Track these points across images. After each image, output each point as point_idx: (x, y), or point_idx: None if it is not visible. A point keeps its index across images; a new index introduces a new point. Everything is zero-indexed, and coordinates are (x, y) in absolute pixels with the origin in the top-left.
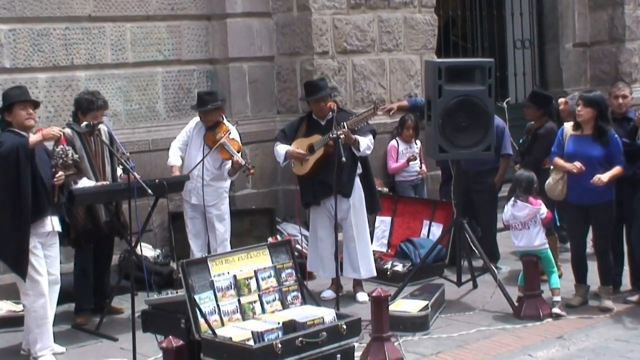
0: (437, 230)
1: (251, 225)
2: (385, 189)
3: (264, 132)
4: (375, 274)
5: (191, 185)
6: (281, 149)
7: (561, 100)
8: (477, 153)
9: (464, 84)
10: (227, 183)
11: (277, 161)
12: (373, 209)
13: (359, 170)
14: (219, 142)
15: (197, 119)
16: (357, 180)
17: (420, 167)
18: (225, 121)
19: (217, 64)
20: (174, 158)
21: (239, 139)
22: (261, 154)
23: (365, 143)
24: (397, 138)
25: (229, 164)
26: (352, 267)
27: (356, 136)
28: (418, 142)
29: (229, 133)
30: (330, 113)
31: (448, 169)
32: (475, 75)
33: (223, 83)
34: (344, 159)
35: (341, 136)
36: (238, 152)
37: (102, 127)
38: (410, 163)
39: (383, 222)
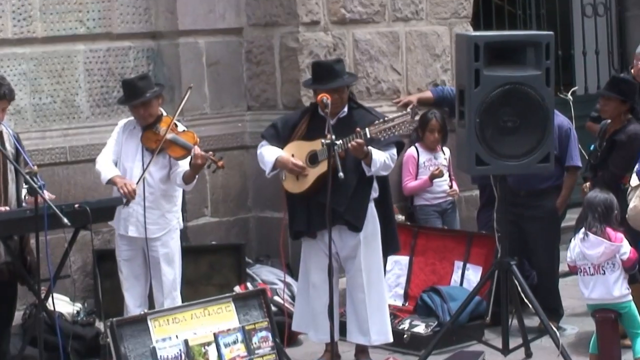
0: (473, 275)
1: (211, 269)
2: (401, 217)
3: (229, 136)
4: (391, 340)
5: (127, 212)
6: (269, 153)
7: None
8: (531, 165)
9: (512, 68)
10: (178, 207)
11: (253, 174)
12: (391, 248)
13: (375, 194)
14: (165, 138)
15: (125, 120)
16: (372, 208)
17: (450, 186)
18: (164, 114)
19: (162, 40)
20: (109, 168)
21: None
22: (225, 168)
23: (382, 159)
24: (416, 145)
25: (183, 166)
26: (359, 329)
27: (370, 148)
28: (446, 150)
29: (175, 125)
30: (324, 111)
31: (489, 188)
32: (528, 55)
33: (170, 66)
34: (340, 174)
35: (350, 144)
36: (195, 145)
37: (2, 128)
38: (435, 180)
39: (397, 264)
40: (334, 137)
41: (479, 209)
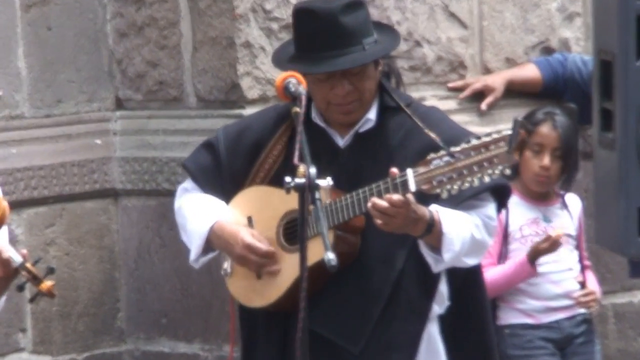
0: None
1: None
2: None
3: (72, 167)
4: None
5: None
6: (197, 213)
7: None
8: None
9: None
10: None
11: (129, 256)
12: None
13: (438, 310)
14: None
15: None
16: (434, 336)
17: (582, 283)
18: None
19: None
20: None
21: None
22: (66, 235)
23: (465, 233)
24: None
25: None
26: None
27: (434, 209)
28: (573, 199)
29: None
30: (293, 111)
31: None
32: None
33: None
34: (329, 256)
35: (325, 183)
36: None
37: None
38: (545, 270)
39: None
40: (314, 170)
41: None
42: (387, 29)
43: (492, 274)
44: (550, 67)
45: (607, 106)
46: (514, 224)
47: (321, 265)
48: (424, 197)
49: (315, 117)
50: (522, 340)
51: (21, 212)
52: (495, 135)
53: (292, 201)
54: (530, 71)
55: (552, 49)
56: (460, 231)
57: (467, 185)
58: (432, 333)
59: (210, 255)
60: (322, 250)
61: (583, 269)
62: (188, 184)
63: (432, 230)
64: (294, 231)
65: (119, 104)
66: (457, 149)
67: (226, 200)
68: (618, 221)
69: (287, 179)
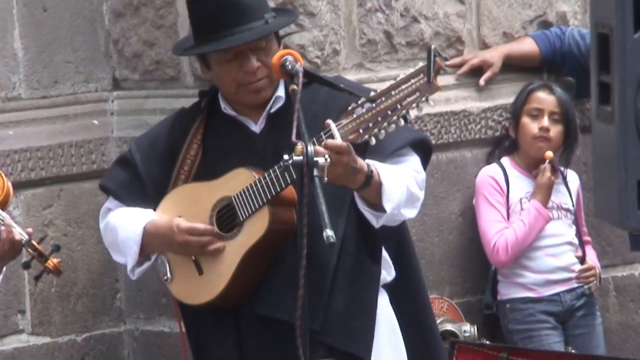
0: None
1: None
2: (467, 328)
3: (70, 148)
4: None
5: None
6: (126, 222)
7: None
8: None
9: None
10: None
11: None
12: None
13: (387, 277)
14: None
15: None
16: (385, 306)
17: (581, 258)
18: None
19: None
20: None
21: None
22: (64, 216)
23: (402, 184)
24: (502, 162)
25: None
26: None
27: (371, 162)
28: (572, 175)
29: None
30: (290, 88)
31: None
32: None
33: None
34: (329, 233)
35: (323, 160)
36: (1, 206)
37: None
38: (546, 243)
39: None
40: (311, 147)
41: None
42: (282, 11)
43: (513, 232)
44: (548, 41)
45: (605, 79)
46: (514, 197)
47: (261, 246)
48: (361, 146)
49: (226, 108)
50: (523, 314)
51: (19, 194)
52: (411, 70)
53: (220, 190)
54: (528, 45)
55: (550, 23)
56: (397, 182)
57: (393, 126)
58: (384, 305)
59: (146, 265)
60: (260, 229)
61: (582, 244)
62: (110, 203)
63: (371, 182)
64: (227, 218)
65: (116, 84)
66: (376, 93)
67: (153, 209)
68: (617, 194)
69: (285, 156)
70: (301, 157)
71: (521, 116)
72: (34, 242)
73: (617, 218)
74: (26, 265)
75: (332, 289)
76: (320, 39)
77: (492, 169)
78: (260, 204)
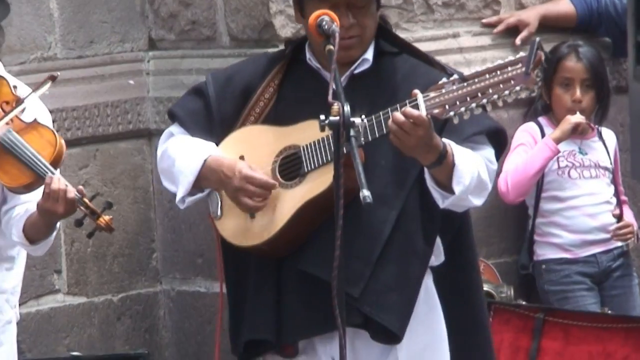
0: None
1: None
2: (503, 288)
3: (106, 108)
4: None
5: None
6: (186, 152)
7: None
8: None
9: None
10: (17, 281)
11: (164, 201)
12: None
13: (435, 262)
14: None
15: None
16: (429, 287)
17: (618, 217)
18: (2, 74)
19: None
20: None
21: (50, 123)
22: (100, 176)
23: (473, 169)
24: (539, 120)
25: (28, 204)
26: None
27: (447, 142)
28: (608, 133)
29: (21, 106)
30: (327, 48)
31: None
32: None
33: None
34: (365, 193)
35: (359, 120)
36: (53, 165)
37: None
38: (579, 203)
39: None
40: (348, 108)
41: None
42: None
43: (514, 162)
44: (584, 1)
45: None
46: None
47: (319, 201)
48: (441, 125)
49: (311, 59)
50: (559, 275)
51: None
52: (511, 58)
53: (289, 138)
54: (564, 6)
55: None
56: (470, 166)
57: (480, 109)
58: (429, 284)
59: (198, 196)
60: (323, 184)
61: (619, 203)
62: (174, 128)
63: (443, 162)
64: (290, 167)
65: (152, 44)
66: (470, 73)
67: (216, 141)
68: None
69: (321, 116)
70: (337, 117)
71: (553, 84)
72: (86, 200)
73: None
74: (79, 223)
75: (379, 260)
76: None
77: (530, 126)
78: (329, 159)
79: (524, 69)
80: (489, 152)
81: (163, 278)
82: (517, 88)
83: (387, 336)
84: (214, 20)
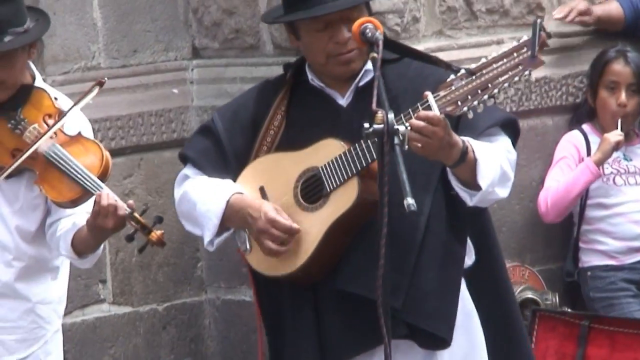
0: None
1: None
2: (548, 295)
3: (150, 117)
4: None
5: None
6: (206, 195)
7: None
8: None
9: None
10: (62, 292)
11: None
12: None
13: (468, 261)
14: (33, 148)
15: None
16: (463, 292)
17: None
18: (43, 86)
19: None
20: None
21: (91, 135)
22: (145, 185)
23: (496, 161)
24: (583, 128)
25: (75, 217)
26: None
27: (465, 139)
28: None
29: (62, 119)
30: (370, 56)
31: None
32: None
33: None
34: (410, 201)
35: (403, 128)
36: (101, 178)
37: None
38: (634, 199)
39: None
40: (391, 114)
41: None
42: None
43: (556, 184)
44: (632, 4)
45: None
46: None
47: (347, 219)
48: (455, 120)
49: (313, 79)
50: (604, 282)
51: None
52: (514, 44)
53: (306, 161)
54: (614, 9)
55: None
56: (492, 159)
57: (492, 100)
58: (463, 291)
59: (226, 235)
60: (348, 201)
61: None
62: (188, 170)
63: (466, 159)
64: (312, 189)
65: (196, 53)
66: (477, 65)
67: (232, 179)
68: None
69: (365, 125)
70: (382, 125)
71: (599, 87)
72: (137, 215)
73: None
74: (130, 238)
75: (415, 268)
76: (400, 7)
77: (574, 136)
78: (350, 174)
79: (529, 53)
80: (506, 142)
81: (208, 287)
82: (526, 72)
83: (435, 342)
84: (258, 28)
